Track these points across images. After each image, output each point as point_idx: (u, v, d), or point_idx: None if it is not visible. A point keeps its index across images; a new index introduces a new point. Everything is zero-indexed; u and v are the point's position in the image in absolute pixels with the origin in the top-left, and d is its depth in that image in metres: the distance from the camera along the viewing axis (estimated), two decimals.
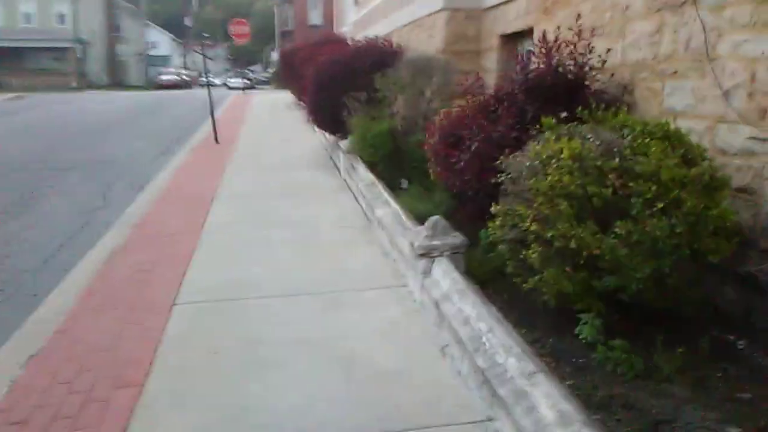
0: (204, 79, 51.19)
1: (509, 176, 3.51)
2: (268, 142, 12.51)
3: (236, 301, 4.20)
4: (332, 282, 4.54)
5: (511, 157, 3.64)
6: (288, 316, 3.96)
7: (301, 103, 16.00)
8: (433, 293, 3.85)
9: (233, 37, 29.28)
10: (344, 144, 8.38)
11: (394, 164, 7.29)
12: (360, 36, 15.29)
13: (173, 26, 69.02)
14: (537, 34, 6.20)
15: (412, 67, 7.38)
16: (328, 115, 8.61)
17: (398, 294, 4.32)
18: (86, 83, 45.09)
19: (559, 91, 4.53)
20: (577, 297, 3.21)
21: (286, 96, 24.90)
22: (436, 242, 4.09)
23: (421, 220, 5.39)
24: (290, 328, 3.77)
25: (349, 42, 15.05)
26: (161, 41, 65.50)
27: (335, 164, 9.46)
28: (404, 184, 7.25)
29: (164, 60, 62.91)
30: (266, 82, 54.75)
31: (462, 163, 4.45)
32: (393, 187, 6.75)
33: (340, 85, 8.26)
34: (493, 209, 3.66)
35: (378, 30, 12.87)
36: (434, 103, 7.08)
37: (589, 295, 3.21)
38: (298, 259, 5.09)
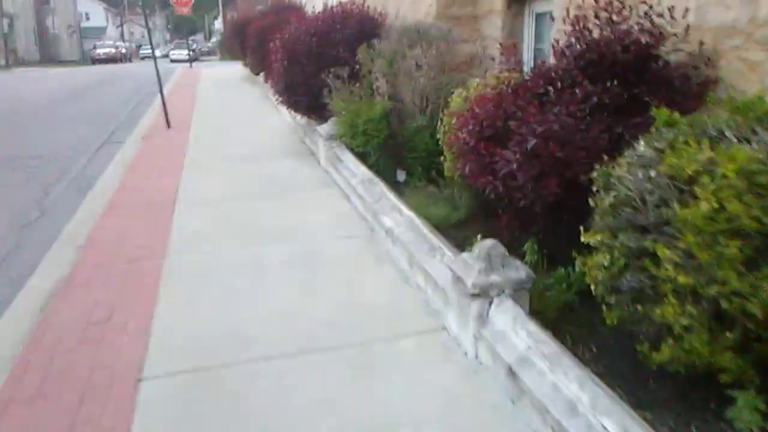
0: (144, 51, 48.02)
1: (616, 194, 2.50)
2: (227, 124, 11.11)
3: (228, 369, 3.10)
4: (351, 327, 3.48)
5: (615, 165, 2.62)
6: (306, 391, 2.89)
7: (261, 77, 14.62)
8: (500, 350, 2.85)
9: (175, 5, 27.17)
10: (323, 129, 7.20)
11: (388, 153, 6.20)
12: (316, 4, 13.89)
13: None
14: None
15: (404, 36, 6.23)
16: (302, 94, 7.39)
17: (441, 343, 3.31)
18: (15, 60, 41.50)
19: (628, 65, 3.54)
20: (731, 369, 2.27)
21: (237, 68, 23.23)
22: (495, 277, 3.07)
23: (438, 227, 4.41)
24: (314, 414, 2.71)
25: (307, 10, 13.69)
26: (95, 12, 61.26)
27: (311, 151, 8.29)
28: (401, 176, 6.19)
29: (99, 32, 58.91)
30: (209, 53, 52.23)
31: (513, 165, 3.42)
32: (388, 181, 5.68)
33: (317, 59, 7.04)
34: (586, 237, 2.65)
35: None
36: (435, 80, 5.98)
37: (745, 364, 2.27)
38: (299, 290, 3.99)
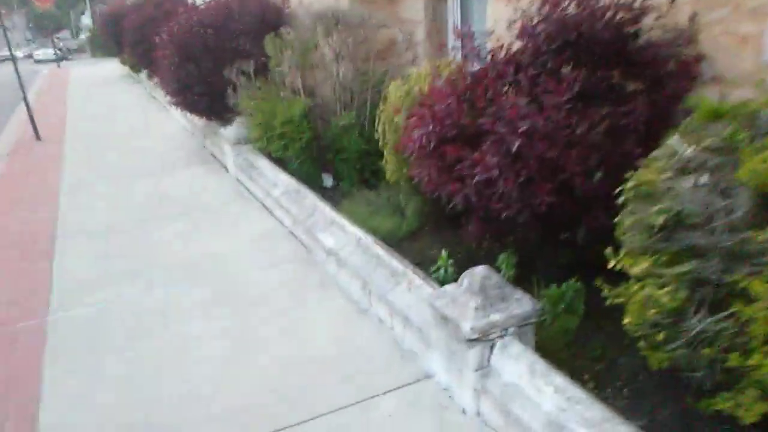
0: (2, 53, 43.40)
1: (663, 209, 1.94)
2: (110, 132, 9.70)
3: None
4: (306, 394, 2.73)
5: (647, 170, 2.05)
6: None
7: (144, 75, 13.22)
8: (517, 411, 2.25)
9: (35, 0, 24.34)
10: (229, 132, 6.28)
11: (312, 157, 5.42)
12: None
13: None
14: None
15: (317, 23, 5.46)
16: (201, 94, 6.39)
17: (429, 398, 2.65)
18: None
19: (609, 46, 3.04)
20: None
21: (113, 66, 21.10)
22: (496, 316, 2.45)
23: (387, 241, 3.77)
24: None
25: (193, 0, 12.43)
26: None
27: (215, 157, 7.30)
28: (327, 181, 5.45)
29: None
30: (79, 51, 47.88)
31: (494, 171, 2.81)
32: (314, 188, 4.94)
33: (214, 54, 6.09)
34: (624, 262, 2.07)
35: None
36: (359, 70, 5.28)
37: None
38: (229, 346, 3.16)
